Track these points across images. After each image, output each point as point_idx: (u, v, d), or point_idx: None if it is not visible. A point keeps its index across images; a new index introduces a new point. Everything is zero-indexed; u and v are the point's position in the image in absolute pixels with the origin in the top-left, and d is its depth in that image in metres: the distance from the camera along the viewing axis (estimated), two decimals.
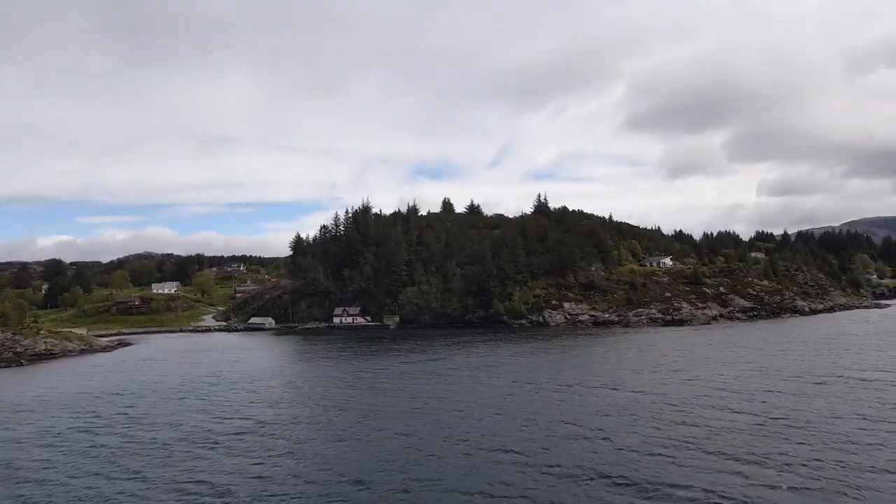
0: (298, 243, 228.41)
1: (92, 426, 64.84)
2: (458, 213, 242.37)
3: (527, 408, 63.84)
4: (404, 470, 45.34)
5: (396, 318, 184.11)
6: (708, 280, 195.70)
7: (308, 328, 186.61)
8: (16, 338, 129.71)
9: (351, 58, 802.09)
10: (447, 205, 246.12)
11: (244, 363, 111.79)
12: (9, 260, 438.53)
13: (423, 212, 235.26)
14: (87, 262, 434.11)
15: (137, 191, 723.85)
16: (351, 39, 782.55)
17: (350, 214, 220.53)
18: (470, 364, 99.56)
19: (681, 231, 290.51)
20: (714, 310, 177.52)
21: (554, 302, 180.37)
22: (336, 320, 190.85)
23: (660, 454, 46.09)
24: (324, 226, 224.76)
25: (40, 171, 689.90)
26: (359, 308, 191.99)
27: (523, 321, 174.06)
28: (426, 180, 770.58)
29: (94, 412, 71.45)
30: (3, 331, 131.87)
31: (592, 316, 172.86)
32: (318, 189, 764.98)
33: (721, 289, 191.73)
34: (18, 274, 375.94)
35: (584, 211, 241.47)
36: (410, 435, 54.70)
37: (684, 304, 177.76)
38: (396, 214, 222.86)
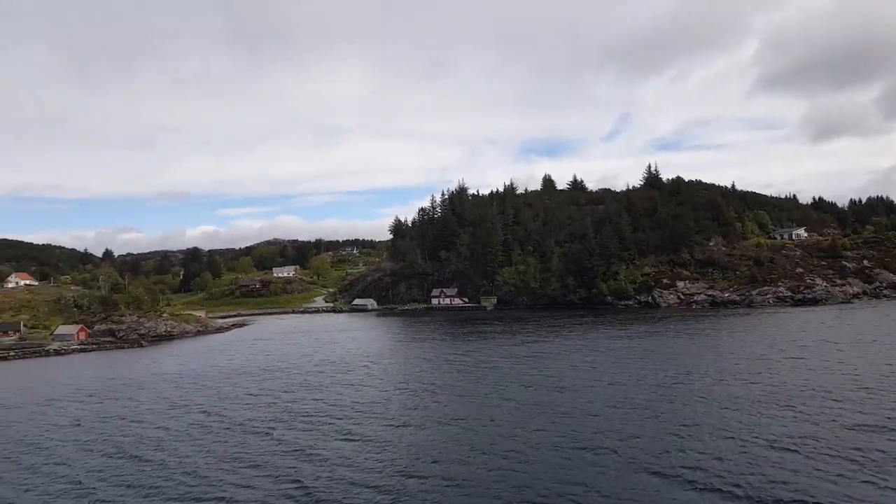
0: (398, 227, 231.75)
1: (190, 402, 73.15)
2: (560, 190, 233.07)
3: (646, 401, 58.59)
4: (507, 469, 44.39)
5: (493, 300, 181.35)
6: (849, 253, 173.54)
7: (407, 309, 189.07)
8: (140, 320, 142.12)
9: (456, 38, 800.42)
10: (548, 182, 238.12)
11: (346, 343, 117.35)
12: (161, 249, 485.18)
13: (530, 189, 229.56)
14: (223, 250, 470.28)
15: (268, 183, 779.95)
16: (455, 18, 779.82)
17: (446, 197, 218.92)
18: (574, 347, 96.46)
19: (820, 199, 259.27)
20: (856, 286, 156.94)
21: (665, 281, 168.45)
22: (434, 301, 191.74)
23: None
24: (421, 208, 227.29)
25: (183, 168, 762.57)
26: (456, 289, 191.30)
27: (630, 302, 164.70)
28: (538, 158, 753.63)
29: (196, 389, 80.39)
30: (131, 314, 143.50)
31: (710, 296, 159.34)
32: (429, 173, 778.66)
33: (865, 262, 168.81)
34: (161, 262, 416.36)
35: (704, 181, 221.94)
36: (517, 426, 52.24)
37: (818, 281, 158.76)
38: (493, 194, 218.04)
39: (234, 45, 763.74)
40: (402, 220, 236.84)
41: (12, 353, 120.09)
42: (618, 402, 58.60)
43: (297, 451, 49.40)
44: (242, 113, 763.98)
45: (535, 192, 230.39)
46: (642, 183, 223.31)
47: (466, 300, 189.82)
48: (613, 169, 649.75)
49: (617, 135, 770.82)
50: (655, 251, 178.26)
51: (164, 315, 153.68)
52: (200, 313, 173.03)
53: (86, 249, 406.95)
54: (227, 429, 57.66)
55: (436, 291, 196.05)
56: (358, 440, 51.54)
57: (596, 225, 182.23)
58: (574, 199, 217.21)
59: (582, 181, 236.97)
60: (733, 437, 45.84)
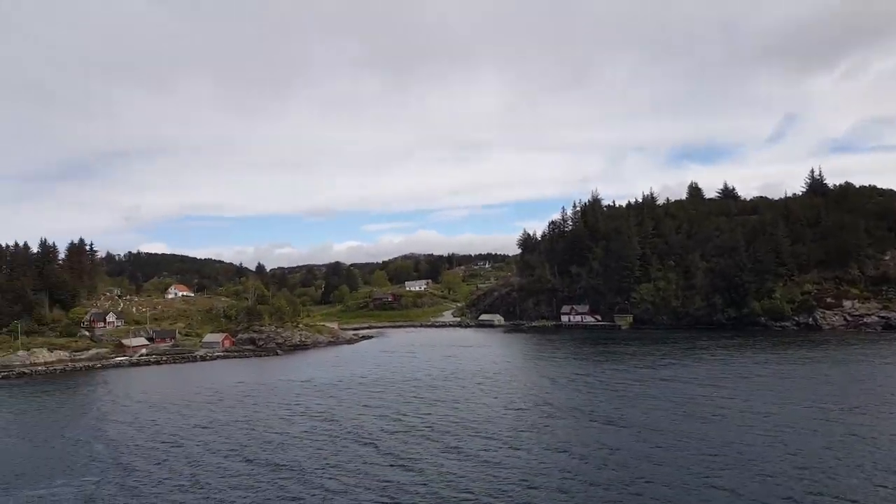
0: (527, 240, 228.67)
1: (310, 409, 77.92)
2: (708, 199, 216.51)
3: (800, 443, 51.55)
4: None
5: (629, 318, 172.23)
6: None
7: (535, 326, 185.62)
8: (278, 330, 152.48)
9: (597, 42, 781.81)
10: (694, 190, 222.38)
11: (467, 359, 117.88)
12: (309, 263, 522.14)
13: (676, 199, 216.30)
14: (364, 264, 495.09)
15: (409, 199, 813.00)
16: (595, 22, 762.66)
17: (578, 208, 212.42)
18: (719, 374, 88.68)
19: None
20: None
21: (829, 300, 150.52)
22: (564, 319, 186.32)
23: None
24: (552, 221, 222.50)
25: (332, 186, 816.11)
26: (587, 306, 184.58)
27: (787, 323, 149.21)
28: (690, 164, 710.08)
29: (319, 397, 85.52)
30: (270, 324, 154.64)
31: (883, 317, 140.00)
32: (570, 184, 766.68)
33: None
34: (306, 275, 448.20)
35: (878, 186, 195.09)
36: (640, 459, 48.78)
37: None
38: (630, 205, 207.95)
39: (378, 67, 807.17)
40: (531, 233, 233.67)
41: (165, 357, 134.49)
42: (766, 441, 52.09)
43: (397, 463, 50.26)
44: (386, 131, 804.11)
45: (679, 201, 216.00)
46: (804, 190, 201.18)
47: (599, 318, 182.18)
48: (777, 175, 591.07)
49: (781, 137, 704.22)
50: (818, 266, 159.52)
51: (300, 326, 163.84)
52: (333, 325, 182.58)
53: (241, 263, 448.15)
54: (338, 437, 60.05)
55: (566, 308, 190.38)
56: (459, 457, 51.09)
57: (748, 237, 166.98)
58: (724, 208, 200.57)
59: (733, 189, 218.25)
60: None
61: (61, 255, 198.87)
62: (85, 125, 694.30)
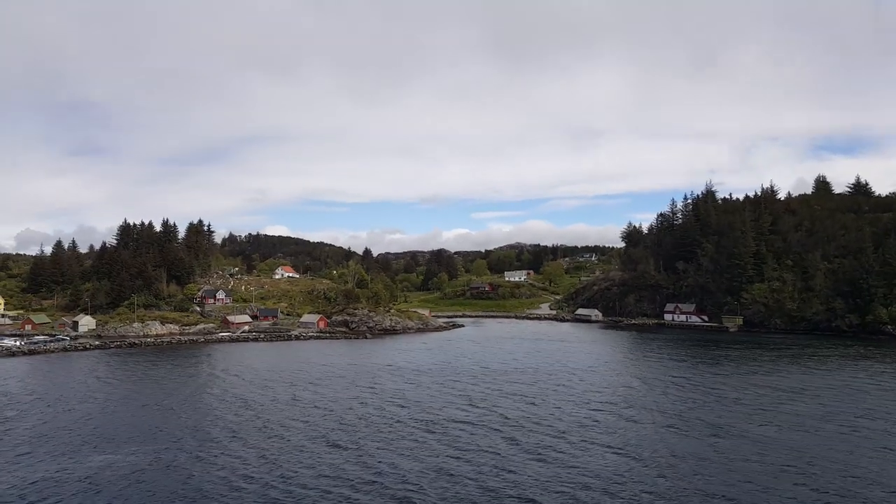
0: (631, 234, 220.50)
1: (380, 394, 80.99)
2: (837, 195, 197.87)
3: None
4: None
5: (738, 320, 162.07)
6: None
7: (634, 323, 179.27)
8: (370, 314, 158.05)
9: (727, 25, 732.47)
10: (821, 184, 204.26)
11: (555, 354, 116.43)
12: (417, 249, 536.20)
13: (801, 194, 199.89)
14: (470, 252, 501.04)
15: (520, 187, 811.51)
16: (726, 3, 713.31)
17: (689, 201, 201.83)
18: (839, 387, 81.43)
19: None
20: None
21: None
22: (667, 317, 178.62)
23: None
24: (661, 214, 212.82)
25: (444, 173, 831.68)
26: (693, 305, 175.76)
27: None
28: (831, 156, 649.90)
29: (390, 381, 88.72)
30: (363, 308, 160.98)
31: None
32: (694, 175, 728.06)
33: None
34: (409, 261, 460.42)
35: None
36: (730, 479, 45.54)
37: None
38: (747, 199, 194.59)
39: (496, 54, 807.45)
40: (637, 225, 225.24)
41: (263, 335, 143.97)
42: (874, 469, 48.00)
43: (453, 451, 51.44)
44: (501, 119, 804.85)
45: (803, 196, 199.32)
46: None
47: (706, 318, 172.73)
48: None
49: None
50: None
51: (392, 311, 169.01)
52: (424, 312, 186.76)
53: (349, 248, 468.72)
54: (405, 421, 62.54)
55: (670, 306, 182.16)
56: (520, 451, 51.52)
57: (878, 237, 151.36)
58: (854, 205, 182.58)
59: (866, 184, 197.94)
60: None
61: (181, 235, 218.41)
62: (219, 113, 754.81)
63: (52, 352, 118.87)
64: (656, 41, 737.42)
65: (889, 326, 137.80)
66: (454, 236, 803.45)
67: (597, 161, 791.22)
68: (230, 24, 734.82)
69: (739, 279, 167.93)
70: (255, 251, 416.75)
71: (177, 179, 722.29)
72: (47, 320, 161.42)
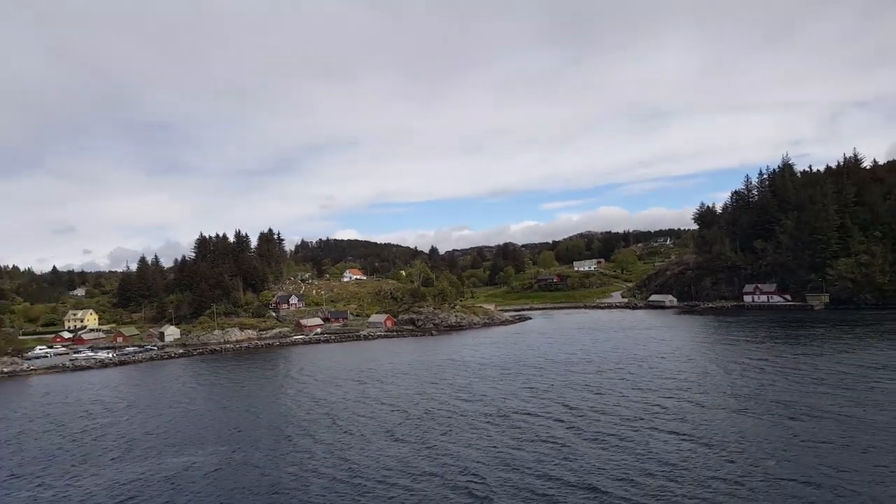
0: (704, 214, 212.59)
1: (439, 389, 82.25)
2: None
3: None
4: None
5: (824, 297, 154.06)
6: None
7: (711, 307, 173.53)
8: (435, 312, 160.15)
9: None
10: None
11: (625, 343, 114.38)
12: (486, 244, 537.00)
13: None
14: (538, 244, 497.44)
15: (588, 174, 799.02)
16: None
17: (765, 176, 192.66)
18: None
19: None
20: None
21: None
22: (746, 299, 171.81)
23: None
24: (735, 192, 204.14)
25: (509, 167, 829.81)
26: (774, 285, 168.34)
27: None
28: None
29: (453, 375, 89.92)
30: (428, 306, 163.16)
31: None
32: (777, 148, 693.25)
33: None
34: (475, 257, 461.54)
35: None
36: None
37: None
38: (828, 170, 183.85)
39: (552, 41, 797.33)
40: (710, 205, 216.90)
41: (333, 336, 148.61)
42: None
43: (514, 443, 51.89)
44: (564, 106, 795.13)
45: (890, 163, 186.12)
46: None
47: (788, 297, 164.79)
48: None
49: None
50: None
51: (457, 307, 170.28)
52: (490, 306, 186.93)
53: (415, 247, 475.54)
54: (461, 415, 63.41)
55: (749, 287, 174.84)
56: (574, 444, 51.36)
57: None
58: None
59: None
60: None
61: (253, 244, 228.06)
62: (287, 124, 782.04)
63: (141, 362, 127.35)
64: (728, 14, 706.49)
65: None
66: (522, 229, 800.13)
67: (670, 141, 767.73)
68: (292, 38, 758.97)
69: (823, 255, 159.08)
70: (326, 256, 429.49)
71: (251, 191, 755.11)
72: (136, 332, 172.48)
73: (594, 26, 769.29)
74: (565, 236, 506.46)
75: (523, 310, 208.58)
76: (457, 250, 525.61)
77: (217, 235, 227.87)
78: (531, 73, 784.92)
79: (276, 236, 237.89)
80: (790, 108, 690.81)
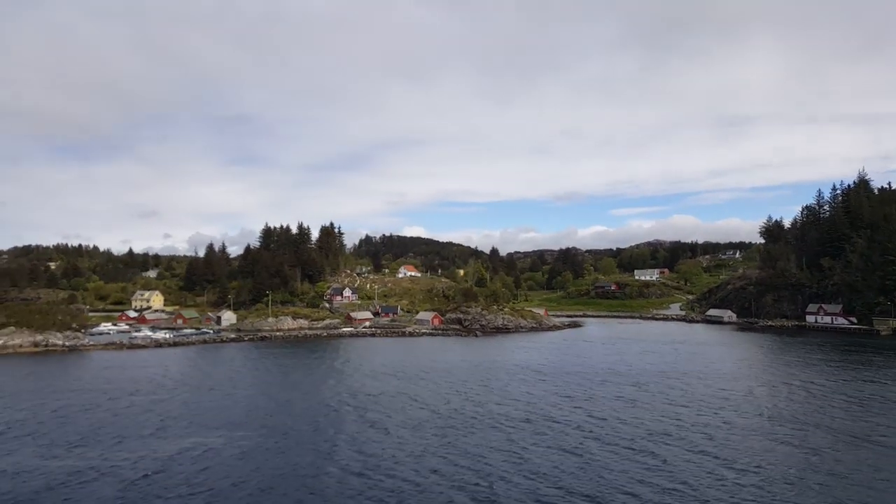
0: (771, 229, 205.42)
1: (468, 392, 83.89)
2: None
3: None
4: None
5: (893, 322, 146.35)
6: None
7: (771, 325, 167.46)
8: (483, 313, 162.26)
9: None
10: None
11: (671, 357, 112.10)
12: (551, 248, 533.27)
13: None
14: (604, 251, 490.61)
15: (662, 182, 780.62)
16: None
17: (839, 191, 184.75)
18: None
19: None
20: None
21: None
22: (809, 319, 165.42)
23: None
24: (805, 206, 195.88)
25: (579, 171, 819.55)
26: (840, 306, 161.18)
27: None
28: None
29: (487, 378, 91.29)
30: (476, 306, 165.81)
31: None
32: (864, 163, 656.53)
33: None
34: (535, 260, 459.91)
35: None
36: None
37: None
38: None
39: (634, 46, 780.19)
40: (778, 219, 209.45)
41: (380, 331, 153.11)
42: None
43: (536, 450, 52.51)
44: (639, 111, 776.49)
45: None
46: None
47: (854, 320, 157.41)
48: None
49: None
50: None
51: (505, 310, 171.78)
52: (540, 310, 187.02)
53: (476, 247, 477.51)
54: (489, 417, 63.89)
55: (813, 307, 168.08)
56: (589, 459, 51.44)
57: None
58: None
59: None
60: None
61: (314, 237, 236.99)
62: (361, 121, 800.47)
63: (194, 343, 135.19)
64: (820, 23, 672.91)
65: None
66: (590, 234, 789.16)
67: (750, 150, 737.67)
68: (372, 39, 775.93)
69: (894, 277, 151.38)
70: (388, 251, 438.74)
71: (321, 184, 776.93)
72: (196, 315, 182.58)
73: (675, 31, 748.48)
74: (634, 244, 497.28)
75: (576, 316, 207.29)
76: (518, 252, 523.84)
77: (282, 226, 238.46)
78: (607, 78, 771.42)
79: (336, 230, 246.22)
80: (880, 118, 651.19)
